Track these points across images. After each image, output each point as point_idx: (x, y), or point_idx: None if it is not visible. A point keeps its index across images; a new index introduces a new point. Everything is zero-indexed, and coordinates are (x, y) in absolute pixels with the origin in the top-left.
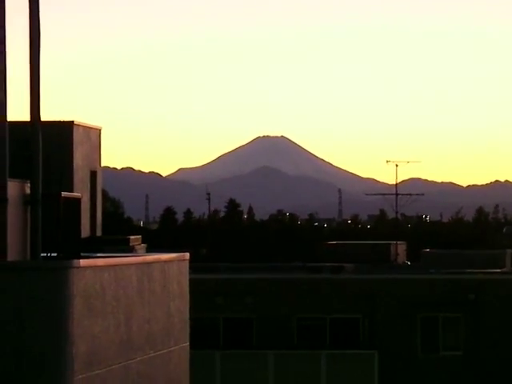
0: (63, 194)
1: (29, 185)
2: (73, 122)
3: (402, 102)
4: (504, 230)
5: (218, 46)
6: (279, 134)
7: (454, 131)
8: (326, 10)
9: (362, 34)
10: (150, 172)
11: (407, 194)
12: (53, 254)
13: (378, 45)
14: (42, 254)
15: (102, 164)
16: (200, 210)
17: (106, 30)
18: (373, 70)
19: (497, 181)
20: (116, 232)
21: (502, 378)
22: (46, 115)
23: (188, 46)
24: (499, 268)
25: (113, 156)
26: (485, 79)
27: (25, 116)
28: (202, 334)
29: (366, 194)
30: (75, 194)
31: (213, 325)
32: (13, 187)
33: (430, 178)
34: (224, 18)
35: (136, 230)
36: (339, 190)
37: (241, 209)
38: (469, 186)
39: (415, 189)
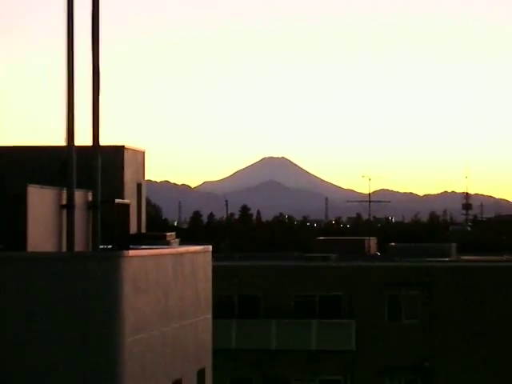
0: (117, 200)
1: (91, 194)
2: (124, 146)
3: (376, 129)
4: (450, 228)
5: (236, 80)
6: (281, 156)
7: (413, 152)
8: (318, 53)
9: (340, 69)
10: (182, 184)
11: (377, 201)
12: (108, 247)
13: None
14: (100, 246)
15: (146, 178)
16: (220, 214)
17: (136, 53)
18: (350, 106)
19: (445, 191)
20: (156, 230)
21: (449, 340)
22: (103, 141)
23: (203, 83)
24: (447, 257)
25: (154, 171)
26: (438, 105)
27: (87, 141)
28: (221, 308)
29: (347, 201)
30: (125, 201)
31: (230, 300)
32: (78, 196)
33: (395, 189)
34: (244, 52)
35: (171, 228)
36: (326, 198)
37: (251, 212)
38: (424, 195)
39: (384, 197)
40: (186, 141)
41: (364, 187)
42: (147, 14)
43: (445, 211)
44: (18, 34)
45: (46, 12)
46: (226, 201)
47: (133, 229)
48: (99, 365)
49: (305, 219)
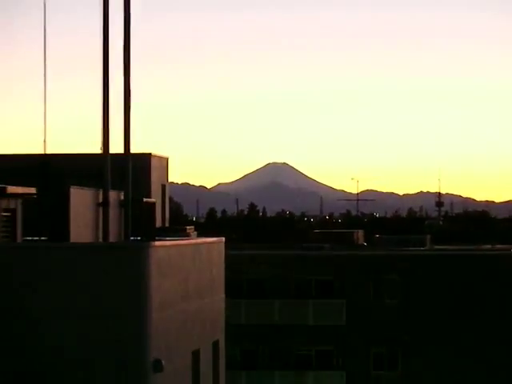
0: (145, 199)
1: (123, 194)
2: (150, 153)
3: (363, 139)
4: (426, 223)
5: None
6: (283, 161)
7: (394, 158)
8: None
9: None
10: (199, 185)
11: (364, 200)
12: (138, 238)
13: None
14: (131, 238)
15: (169, 180)
16: (232, 210)
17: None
18: (341, 119)
19: (421, 191)
20: (178, 224)
21: (424, 317)
22: (133, 149)
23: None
24: (423, 247)
25: (175, 174)
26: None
27: (120, 149)
28: (232, 289)
29: (338, 200)
30: (152, 200)
31: (239, 283)
32: (112, 195)
33: (378, 189)
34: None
35: (190, 222)
36: (321, 197)
37: (257, 209)
38: (404, 194)
39: (369, 196)
40: (202, 149)
41: (353, 188)
42: (166, 31)
43: (421, 208)
44: (58, 54)
45: (83, 33)
46: (237, 199)
47: (158, 223)
48: (129, 336)
49: (303, 215)
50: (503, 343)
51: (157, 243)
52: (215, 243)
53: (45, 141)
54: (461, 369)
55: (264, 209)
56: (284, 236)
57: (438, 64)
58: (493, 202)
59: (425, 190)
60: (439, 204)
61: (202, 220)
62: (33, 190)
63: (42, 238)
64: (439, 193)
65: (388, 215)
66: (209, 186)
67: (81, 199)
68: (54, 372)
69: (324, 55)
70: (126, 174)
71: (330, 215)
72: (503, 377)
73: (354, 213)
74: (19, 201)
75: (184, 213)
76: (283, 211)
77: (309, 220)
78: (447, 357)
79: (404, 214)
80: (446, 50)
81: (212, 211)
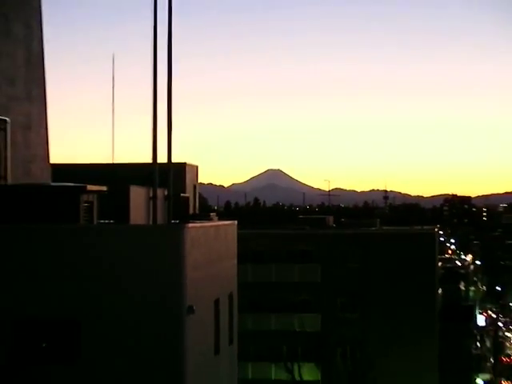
0: (181, 195)
1: (166, 190)
2: (185, 162)
3: (332, 152)
4: (375, 211)
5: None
6: (277, 168)
7: (354, 165)
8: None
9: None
10: (219, 185)
11: (334, 195)
12: (177, 222)
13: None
14: (172, 221)
15: (198, 181)
16: (242, 203)
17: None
18: (317, 139)
19: (373, 189)
20: (204, 212)
21: (377, 276)
22: (173, 159)
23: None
24: (374, 227)
25: (202, 177)
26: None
27: (164, 160)
28: (242, 257)
29: (318, 195)
30: (186, 195)
31: (247, 253)
32: (159, 192)
33: (343, 187)
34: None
35: (213, 211)
36: (303, 194)
37: (260, 202)
38: (361, 191)
39: (337, 192)
40: (222, 159)
41: (326, 186)
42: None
43: (373, 201)
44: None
45: (132, 56)
46: (245, 195)
47: (191, 211)
48: (171, 288)
49: (291, 206)
50: (428, 293)
51: (190, 225)
52: (230, 225)
53: (113, 153)
54: (402, 311)
55: (264, 202)
56: (278, 220)
57: (386, 88)
58: (422, 196)
59: (375, 188)
60: (385, 198)
61: (221, 209)
62: (105, 188)
63: (111, 222)
64: (385, 190)
65: (350, 205)
66: (226, 185)
67: (137, 194)
68: (124, 309)
69: (308, 80)
70: (168, 177)
71: (310, 206)
72: (432, 318)
73: (326, 204)
74: (95, 195)
75: (208, 204)
76: (278, 203)
77: (295, 209)
78: (392, 304)
79: (361, 205)
80: (396, 66)
81: (228, 203)
